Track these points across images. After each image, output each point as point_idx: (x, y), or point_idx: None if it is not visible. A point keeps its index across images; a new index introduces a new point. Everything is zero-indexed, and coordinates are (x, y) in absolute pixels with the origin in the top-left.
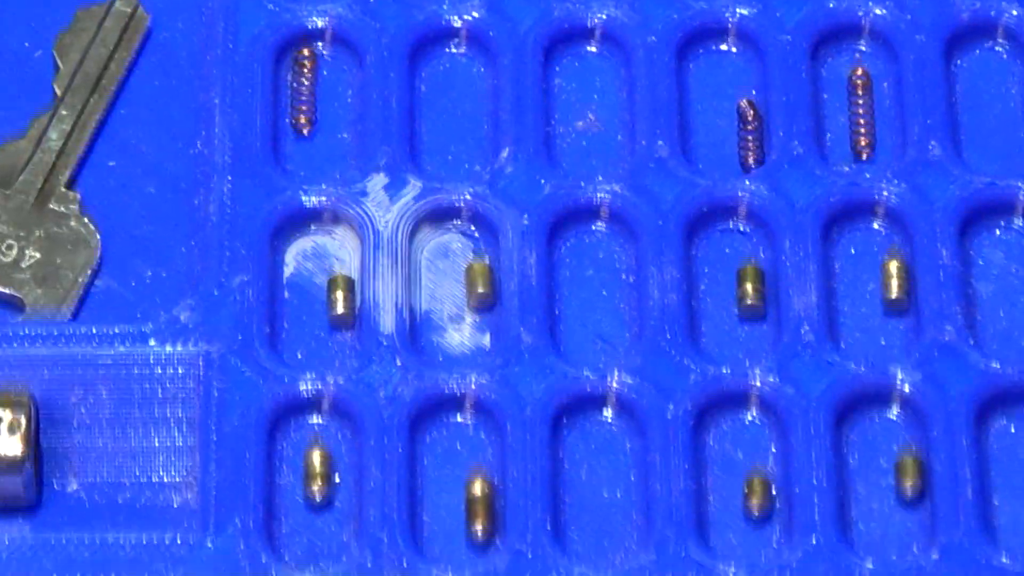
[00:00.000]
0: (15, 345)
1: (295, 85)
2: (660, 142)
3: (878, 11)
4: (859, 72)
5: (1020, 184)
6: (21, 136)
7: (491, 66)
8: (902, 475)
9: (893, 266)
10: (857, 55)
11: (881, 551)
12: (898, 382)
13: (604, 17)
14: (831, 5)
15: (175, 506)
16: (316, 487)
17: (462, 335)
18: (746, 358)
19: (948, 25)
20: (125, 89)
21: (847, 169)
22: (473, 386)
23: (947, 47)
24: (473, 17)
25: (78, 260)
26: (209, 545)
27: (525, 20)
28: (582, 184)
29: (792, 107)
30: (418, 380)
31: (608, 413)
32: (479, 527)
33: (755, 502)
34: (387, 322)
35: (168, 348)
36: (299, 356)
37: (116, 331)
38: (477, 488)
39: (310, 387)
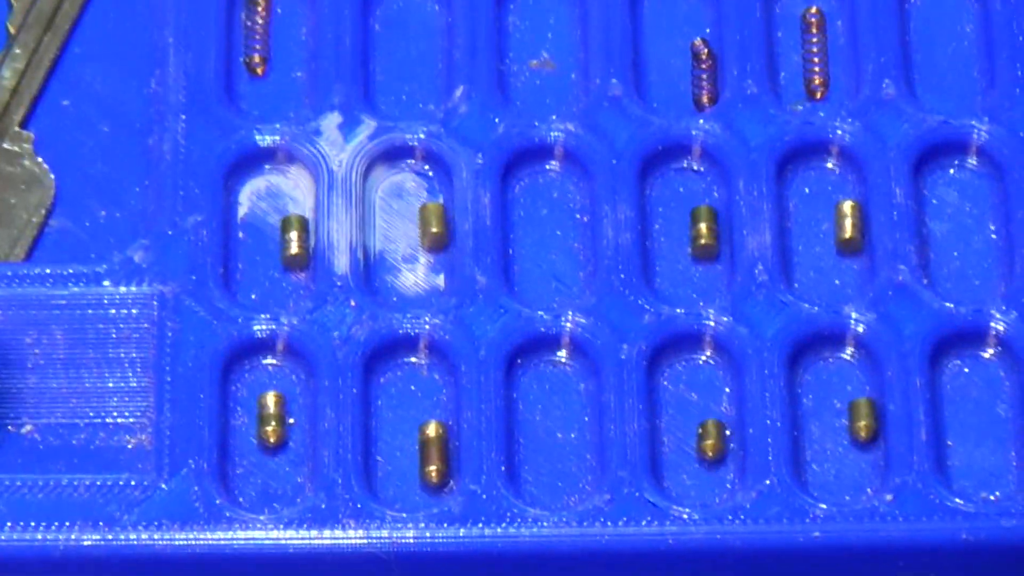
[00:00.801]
0: None
1: (249, 24)
2: (614, 81)
3: None
4: (812, 11)
5: (973, 123)
6: None
7: (444, 4)
8: (855, 416)
9: (847, 206)
10: None
11: (835, 493)
12: (852, 323)
13: None
14: None
15: (129, 448)
16: (270, 429)
17: (416, 275)
18: (700, 299)
19: None
20: (79, 28)
21: (800, 108)
22: (427, 327)
23: None
24: None
25: (32, 200)
26: (163, 487)
27: None
28: (536, 124)
29: (745, 46)
30: (372, 321)
31: (562, 354)
32: (433, 469)
33: (709, 444)
34: (341, 262)
35: (122, 288)
36: (253, 297)
37: (70, 271)
38: (431, 430)
39: (264, 328)
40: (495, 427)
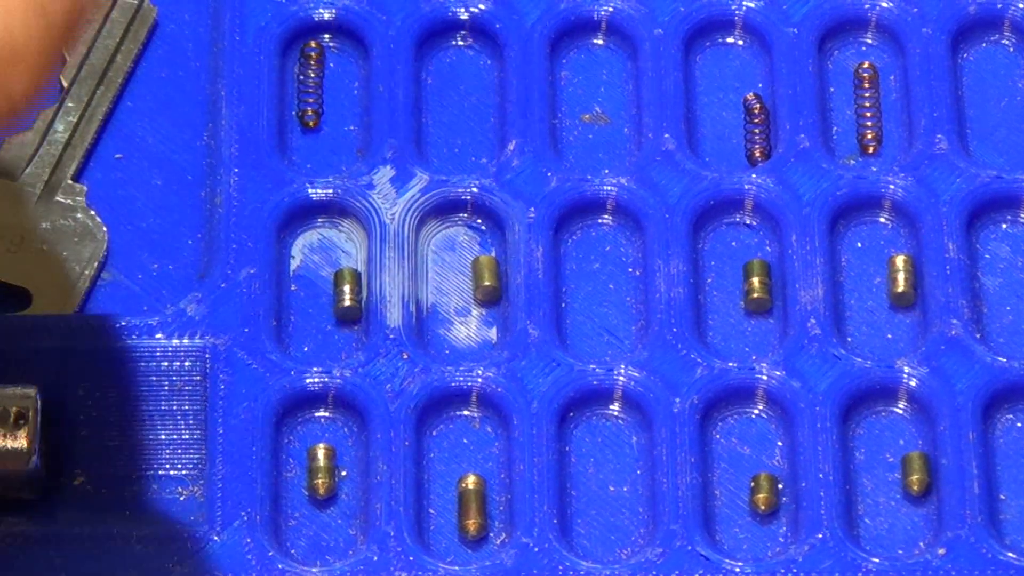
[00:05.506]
0: (22, 338)
1: (302, 77)
2: (667, 135)
3: (885, 4)
4: (865, 65)
5: None
6: (27, 128)
7: (497, 59)
8: (908, 470)
9: (900, 260)
10: (864, 48)
11: (887, 547)
12: (904, 377)
13: (610, 10)
14: None
15: (181, 500)
16: (321, 481)
17: (468, 329)
18: (753, 352)
19: (955, 18)
20: (132, 81)
21: (853, 163)
22: (479, 380)
23: (954, 40)
24: (479, 9)
25: (84, 253)
26: (216, 539)
27: (531, 13)
28: (588, 177)
29: (799, 100)
30: (424, 374)
31: (615, 407)
32: (471, 522)
33: (761, 497)
34: (393, 316)
35: (175, 341)
36: (305, 349)
37: (123, 324)
38: (470, 483)
39: (316, 381)
40: (547, 480)
